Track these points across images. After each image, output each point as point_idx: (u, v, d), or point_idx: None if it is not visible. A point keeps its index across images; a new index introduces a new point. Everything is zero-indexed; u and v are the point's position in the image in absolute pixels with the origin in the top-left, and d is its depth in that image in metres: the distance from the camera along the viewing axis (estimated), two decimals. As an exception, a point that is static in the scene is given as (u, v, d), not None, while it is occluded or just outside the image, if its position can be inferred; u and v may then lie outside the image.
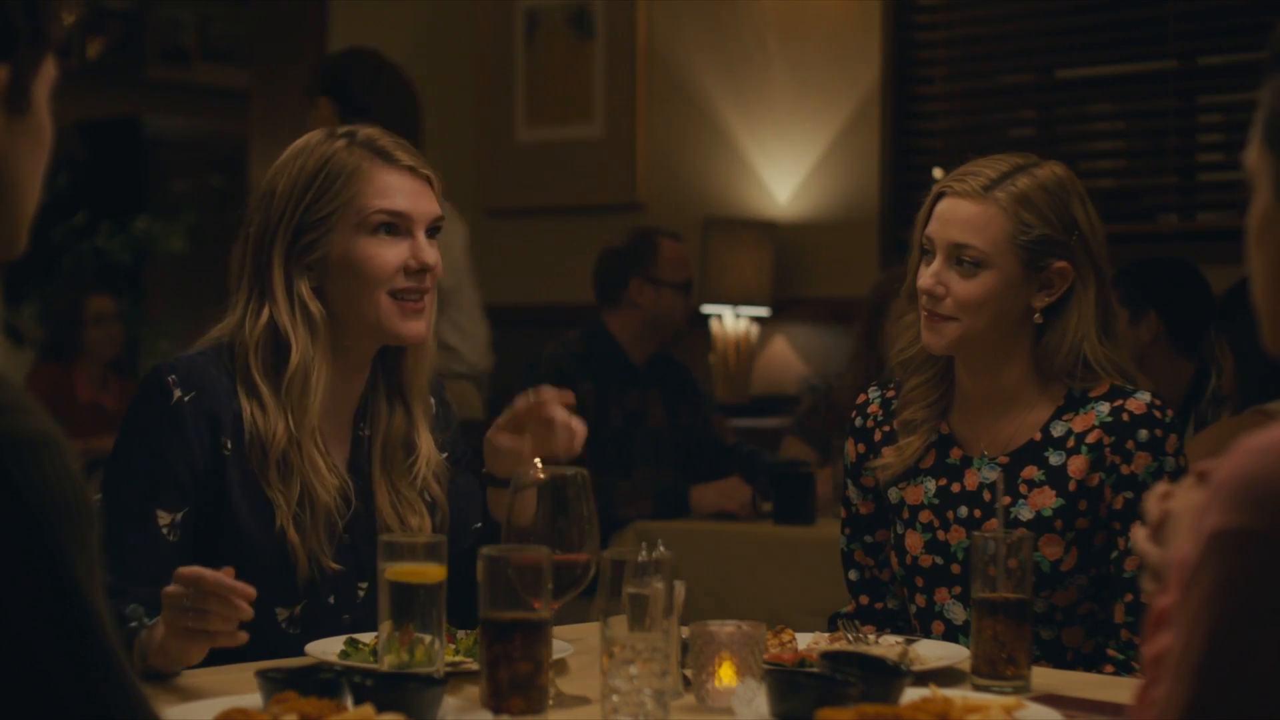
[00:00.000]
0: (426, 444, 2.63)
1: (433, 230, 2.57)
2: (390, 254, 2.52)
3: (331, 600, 2.54)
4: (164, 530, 2.45)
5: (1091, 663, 2.64)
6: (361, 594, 2.56)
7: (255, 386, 2.50)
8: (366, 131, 2.56)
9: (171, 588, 2.15)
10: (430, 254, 2.54)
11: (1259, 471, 1.27)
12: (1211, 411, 4.56)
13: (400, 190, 2.53)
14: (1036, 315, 2.66)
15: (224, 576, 2.13)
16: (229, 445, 2.48)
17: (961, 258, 2.64)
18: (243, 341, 2.52)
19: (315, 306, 2.52)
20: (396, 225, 2.53)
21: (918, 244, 2.73)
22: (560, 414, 2.54)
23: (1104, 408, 2.65)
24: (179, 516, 2.46)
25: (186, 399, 2.47)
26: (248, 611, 2.13)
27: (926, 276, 2.66)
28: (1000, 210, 2.63)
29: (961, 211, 2.65)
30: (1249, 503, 1.26)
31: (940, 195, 2.69)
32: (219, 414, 2.49)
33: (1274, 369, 3.65)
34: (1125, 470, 2.62)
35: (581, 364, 5.14)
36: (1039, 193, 2.64)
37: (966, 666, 2.32)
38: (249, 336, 2.51)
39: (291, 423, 2.49)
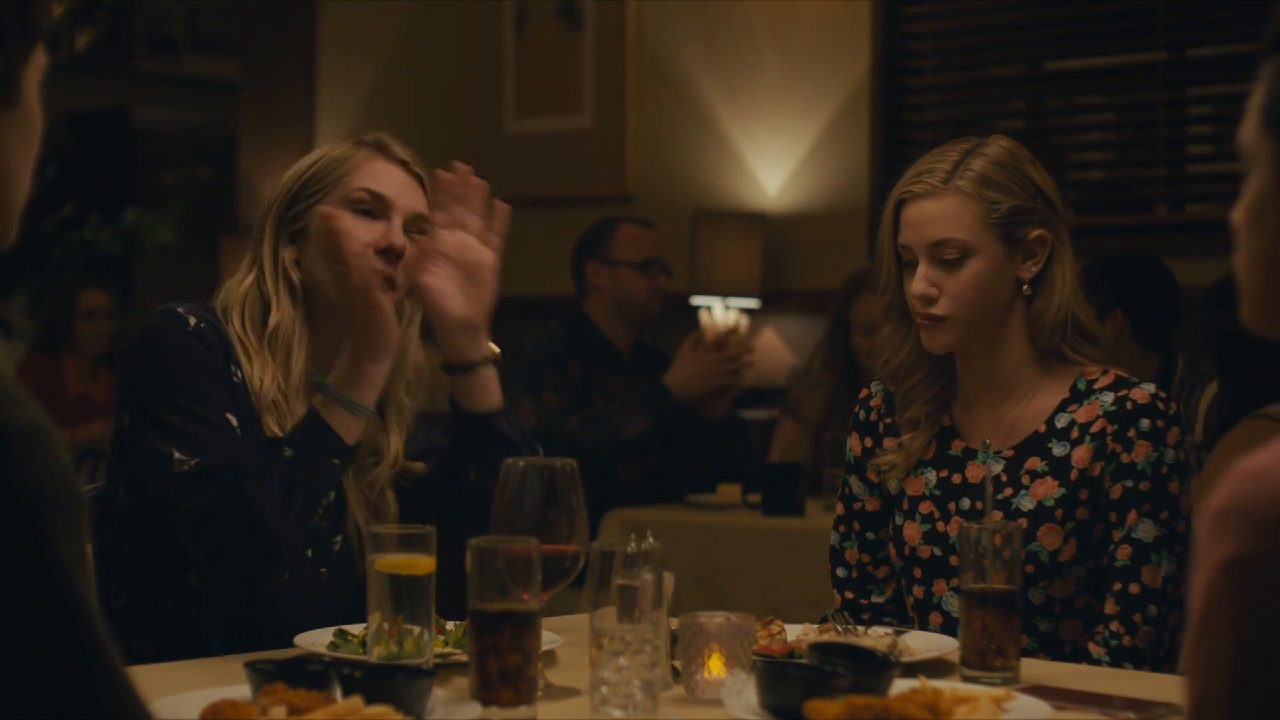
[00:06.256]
0: (394, 449, 2.69)
1: (414, 229, 2.63)
2: (363, 231, 2.58)
3: (309, 554, 2.59)
4: (236, 431, 2.52)
5: (1086, 656, 2.64)
6: (336, 548, 2.62)
7: (242, 339, 2.59)
8: (379, 136, 2.68)
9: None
10: (399, 237, 2.59)
11: (1259, 495, 1.25)
12: (1183, 400, 4.58)
13: (386, 177, 2.63)
14: (1025, 287, 2.67)
15: None
16: (238, 374, 2.57)
17: (944, 255, 2.65)
18: (231, 300, 2.62)
19: (295, 274, 2.62)
20: (374, 208, 2.61)
21: (888, 257, 2.73)
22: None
23: (1108, 397, 2.66)
24: (238, 421, 2.53)
25: (202, 325, 2.56)
26: None
27: (918, 281, 2.66)
28: (965, 196, 2.65)
29: (929, 211, 2.66)
30: (1257, 527, 1.24)
31: (900, 203, 2.71)
32: (227, 344, 2.58)
33: (1262, 368, 3.66)
34: (1125, 459, 2.62)
35: (567, 349, 5.23)
36: (994, 169, 2.67)
37: (955, 658, 2.32)
38: (232, 296, 2.62)
39: (280, 375, 2.58)
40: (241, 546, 2.45)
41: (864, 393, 2.88)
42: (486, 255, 2.64)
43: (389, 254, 2.58)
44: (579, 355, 5.26)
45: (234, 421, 2.52)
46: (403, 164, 2.64)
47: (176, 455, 2.46)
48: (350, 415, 2.50)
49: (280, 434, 2.54)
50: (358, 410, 2.50)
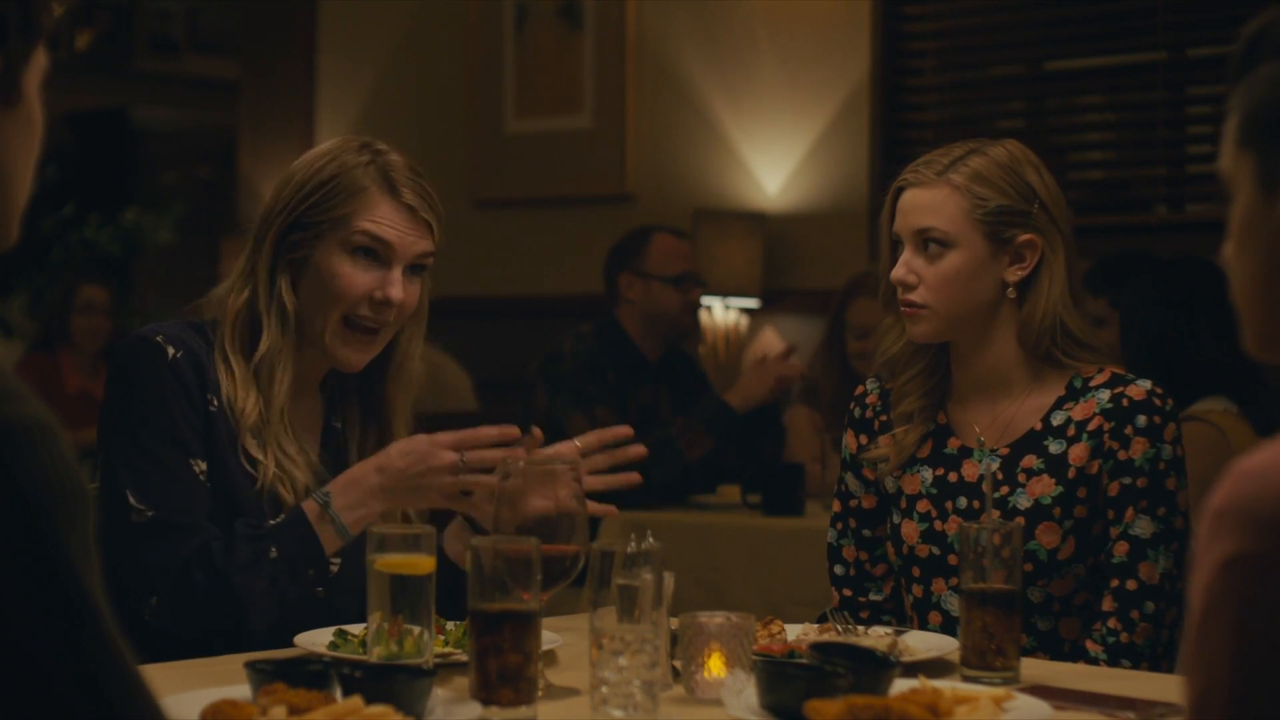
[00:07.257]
0: None
1: (416, 268, 2.63)
2: (361, 278, 2.59)
3: (310, 573, 2.57)
4: (201, 478, 2.54)
5: (1085, 654, 2.64)
6: (335, 569, 2.61)
7: (228, 359, 2.59)
8: (391, 158, 2.62)
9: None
10: (397, 290, 2.59)
11: (1259, 494, 1.25)
12: None
13: (392, 222, 2.59)
14: (1010, 290, 2.67)
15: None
16: (215, 402, 2.57)
17: (927, 241, 2.68)
18: (224, 314, 2.62)
19: (290, 301, 2.61)
20: (376, 252, 2.59)
21: (886, 245, 2.77)
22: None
23: (1104, 395, 2.66)
24: (204, 465, 2.54)
25: (179, 355, 2.55)
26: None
27: (899, 267, 2.71)
28: (954, 189, 2.68)
29: (919, 199, 2.70)
30: (1257, 527, 1.24)
31: (899, 191, 2.74)
32: (205, 371, 2.57)
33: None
34: (1122, 456, 2.62)
35: (603, 355, 5.19)
36: (992, 168, 2.69)
37: (955, 658, 2.32)
38: (229, 310, 2.61)
39: (261, 402, 2.59)
40: (213, 620, 2.49)
41: (859, 390, 2.89)
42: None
43: (384, 305, 2.59)
44: (613, 362, 5.23)
45: (201, 466, 2.53)
46: (409, 208, 2.60)
47: (132, 502, 2.49)
48: (337, 536, 2.53)
49: (260, 457, 2.56)
50: (346, 537, 2.54)
